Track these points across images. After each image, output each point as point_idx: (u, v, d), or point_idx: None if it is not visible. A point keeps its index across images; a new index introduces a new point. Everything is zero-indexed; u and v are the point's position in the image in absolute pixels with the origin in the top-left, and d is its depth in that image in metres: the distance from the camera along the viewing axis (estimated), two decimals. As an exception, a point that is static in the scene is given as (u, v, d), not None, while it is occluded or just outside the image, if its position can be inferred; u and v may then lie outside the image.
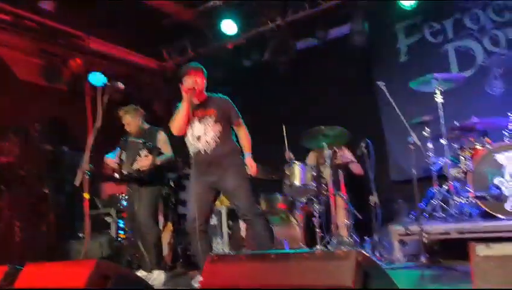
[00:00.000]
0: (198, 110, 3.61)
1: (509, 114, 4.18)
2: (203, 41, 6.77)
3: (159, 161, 4.28)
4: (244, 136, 3.75)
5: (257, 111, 6.92)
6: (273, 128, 5.86)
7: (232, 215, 5.19)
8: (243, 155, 3.68)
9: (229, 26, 6.19)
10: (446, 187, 4.28)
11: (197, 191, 3.54)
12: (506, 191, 3.78)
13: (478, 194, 3.89)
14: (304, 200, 4.70)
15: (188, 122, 3.56)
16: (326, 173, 4.38)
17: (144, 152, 4.18)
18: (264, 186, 4.94)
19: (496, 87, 5.34)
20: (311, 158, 5.29)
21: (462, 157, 4.29)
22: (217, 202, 5.63)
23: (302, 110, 6.35)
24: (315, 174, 4.60)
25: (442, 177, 4.35)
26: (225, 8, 6.17)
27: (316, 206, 4.38)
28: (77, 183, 3.28)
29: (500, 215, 3.75)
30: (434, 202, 4.24)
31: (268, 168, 4.87)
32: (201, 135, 3.55)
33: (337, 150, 4.98)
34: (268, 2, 5.94)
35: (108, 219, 5.55)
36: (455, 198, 4.10)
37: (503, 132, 4.15)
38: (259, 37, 6.45)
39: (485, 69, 5.41)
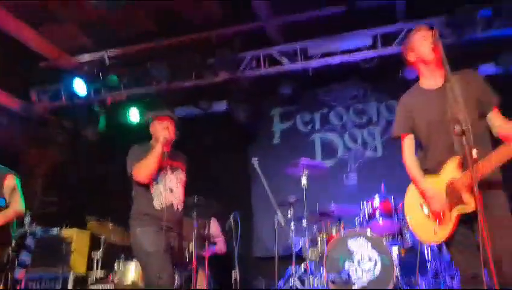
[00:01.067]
0: (168, 159, 3.27)
1: (360, 204, 4.67)
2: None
3: (2, 218, 3.53)
4: None
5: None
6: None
7: (82, 283, 4.64)
8: None
9: (112, 81, 6.02)
10: (303, 267, 4.46)
11: (160, 248, 3.01)
12: (354, 276, 4.08)
13: (330, 276, 4.12)
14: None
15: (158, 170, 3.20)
16: (191, 245, 4.24)
17: None
18: (124, 251, 4.55)
19: (351, 179, 6.00)
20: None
21: (319, 240, 4.57)
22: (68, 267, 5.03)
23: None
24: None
25: (301, 258, 4.54)
26: (111, 63, 6.04)
27: (177, 279, 4.16)
28: None
29: (347, 299, 3.99)
30: (291, 281, 4.36)
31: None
32: (174, 188, 3.24)
33: (206, 222, 4.91)
34: (158, 64, 5.96)
35: None
36: (310, 279, 4.29)
37: (356, 219, 4.59)
38: (142, 96, 6.37)
39: (343, 161, 6.09)
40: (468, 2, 4.99)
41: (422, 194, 2.44)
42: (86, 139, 6.63)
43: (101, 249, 4.44)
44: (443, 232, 2.31)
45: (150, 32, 5.75)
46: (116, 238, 4.49)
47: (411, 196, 2.56)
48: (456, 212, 2.26)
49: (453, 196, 2.28)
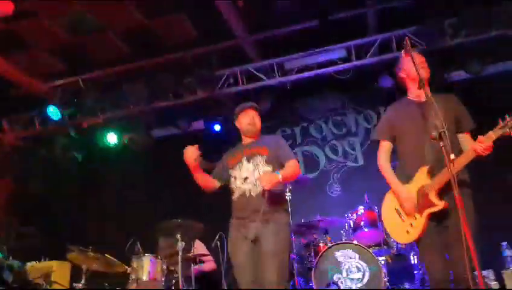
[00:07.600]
0: (247, 148, 3.16)
1: (345, 215, 4.67)
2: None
3: None
4: (293, 168, 3.08)
5: (109, 195, 6.51)
6: (121, 215, 5.44)
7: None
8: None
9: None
10: (292, 283, 4.40)
11: (241, 251, 2.99)
12: (342, 288, 4.05)
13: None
14: (150, 296, 4.31)
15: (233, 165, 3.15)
16: (178, 267, 4.14)
17: None
18: (106, 279, 4.40)
19: (335, 190, 6.02)
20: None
21: (307, 254, 4.53)
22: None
23: (156, 199, 6.17)
24: (165, 267, 4.32)
25: (290, 273, 4.48)
26: (86, 87, 5.95)
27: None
28: None
29: (338, 312, 3.95)
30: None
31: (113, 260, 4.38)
32: (249, 176, 3.05)
33: (191, 243, 4.81)
34: (134, 86, 5.90)
35: None
36: (300, 294, 4.23)
37: (341, 231, 4.57)
38: (119, 119, 6.30)
39: (326, 173, 6.12)
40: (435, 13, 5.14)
41: (397, 195, 2.68)
42: (64, 167, 6.53)
43: (82, 280, 4.27)
44: (415, 231, 2.58)
45: (124, 54, 5.70)
46: (100, 267, 4.33)
47: (388, 200, 2.81)
48: (426, 212, 2.52)
49: (423, 199, 2.55)
